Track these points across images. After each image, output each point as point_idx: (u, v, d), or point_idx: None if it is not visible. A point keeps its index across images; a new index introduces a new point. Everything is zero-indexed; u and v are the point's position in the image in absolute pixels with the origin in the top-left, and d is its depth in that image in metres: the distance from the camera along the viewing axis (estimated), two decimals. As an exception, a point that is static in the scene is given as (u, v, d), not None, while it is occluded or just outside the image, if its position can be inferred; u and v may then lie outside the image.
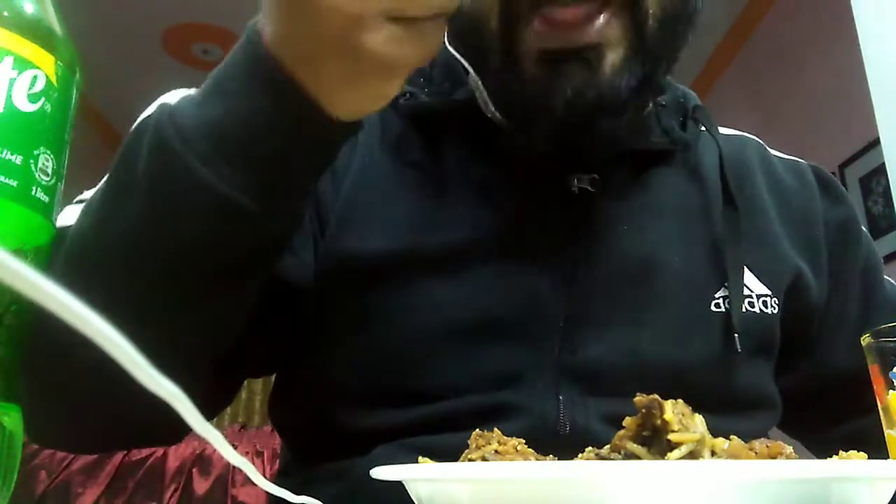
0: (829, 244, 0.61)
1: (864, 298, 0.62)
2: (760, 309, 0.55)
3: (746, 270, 0.55)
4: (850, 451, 0.29)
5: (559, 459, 0.36)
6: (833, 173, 2.58)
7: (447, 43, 0.57)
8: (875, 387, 0.41)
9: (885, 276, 0.65)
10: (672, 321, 0.53)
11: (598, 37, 0.46)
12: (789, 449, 0.29)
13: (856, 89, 1.76)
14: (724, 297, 0.54)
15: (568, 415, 0.49)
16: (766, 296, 0.55)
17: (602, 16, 0.46)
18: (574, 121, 0.47)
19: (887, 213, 2.29)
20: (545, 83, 0.46)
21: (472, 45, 0.51)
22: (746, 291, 0.54)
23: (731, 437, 0.29)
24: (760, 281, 0.56)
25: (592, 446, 0.32)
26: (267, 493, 0.31)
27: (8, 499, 0.30)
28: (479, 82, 0.54)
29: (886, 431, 0.40)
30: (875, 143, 2.16)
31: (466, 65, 0.55)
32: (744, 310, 0.54)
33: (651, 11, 0.47)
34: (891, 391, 0.40)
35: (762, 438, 0.30)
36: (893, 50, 1.27)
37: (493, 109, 0.54)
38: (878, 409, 0.61)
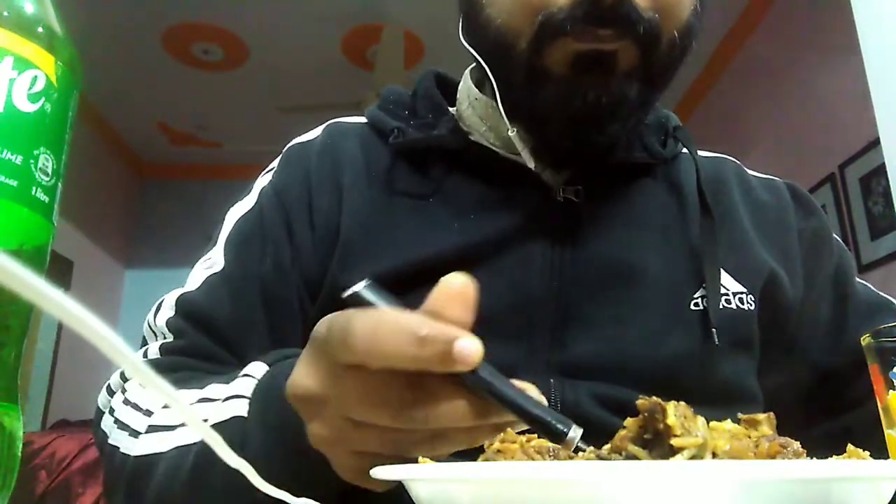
0: (803, 251, 0.65)
1: (837, 301, 0.66)
2: (737, 305, 0.58)
3: (722, 271, 0.59)
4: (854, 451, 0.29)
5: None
6: (833, 173, 2.58)
7: (463, 41, 0.60)
8: (875, 387, 0.41)
9: (859, 280, 0.69)
10: (653, 319, 0.56)
11: (617, 47, 0.51)
12: (796, 444, 0.28)
13: (856, 89, 1.76)
14: (703, 297, 0.58)
15: (559, 395, 0.53)
16: (741, 293, 0.59)
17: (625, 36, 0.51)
18: (588, 120, 0.53)
19: (887, 213, 2.29)
20: (571, 84, 0.51)
21: (498, 60, 0.56)
22: (723, 290, 0.58)
23: (733, 437, 0.29)
24: (736, 280, 0.60)
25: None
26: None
27: (8, 499, 0.30)
28: (465, 109, 0.63)
29: (886, 431, 0.40)
30: (875, 143, 2.16)
31: (492, 80, 0.58)
32: (721, 306, 0.57)
33: (664, 37, 0.52)
34: (891, 391, 0.40)
35: (770, 434, 0.30)
36: (893, 50, 1.27)
37: (480, 132, 0.61)
38: (858, 411, 0.62)
